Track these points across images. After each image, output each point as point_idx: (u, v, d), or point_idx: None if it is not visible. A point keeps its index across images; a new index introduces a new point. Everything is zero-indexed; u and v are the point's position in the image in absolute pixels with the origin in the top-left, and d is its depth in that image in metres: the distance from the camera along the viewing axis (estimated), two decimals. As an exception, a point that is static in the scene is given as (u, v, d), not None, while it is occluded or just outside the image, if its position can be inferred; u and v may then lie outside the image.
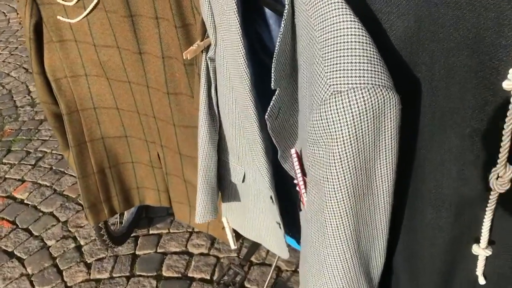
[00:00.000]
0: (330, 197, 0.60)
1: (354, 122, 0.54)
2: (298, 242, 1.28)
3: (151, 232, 2.14)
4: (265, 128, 0.96)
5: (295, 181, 0.75)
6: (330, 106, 0.54)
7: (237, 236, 1.48)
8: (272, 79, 0.71)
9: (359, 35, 0.55)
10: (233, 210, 1.32)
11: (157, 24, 1.19)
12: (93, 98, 1.47)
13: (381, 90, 0.53)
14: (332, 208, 0.60)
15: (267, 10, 0.88)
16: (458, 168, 0.66)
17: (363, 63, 0.54)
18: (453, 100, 0.61)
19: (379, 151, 0.58)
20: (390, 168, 0.60)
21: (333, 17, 0.56)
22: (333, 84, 0.54)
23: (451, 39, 0.56)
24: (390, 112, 0.55)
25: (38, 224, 2.24)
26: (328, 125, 0.55)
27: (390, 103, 0.54)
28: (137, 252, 2.05)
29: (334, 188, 0.59)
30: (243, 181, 1.19)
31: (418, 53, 0.60)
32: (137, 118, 1.46)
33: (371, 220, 0.64)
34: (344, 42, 0.55)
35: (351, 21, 0.55)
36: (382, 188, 0.62)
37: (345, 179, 0.58)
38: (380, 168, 0.60)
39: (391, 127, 0.56)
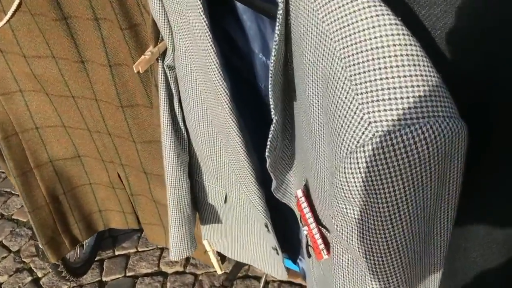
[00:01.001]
0: (376, 272, 0.43)
1: (412, 174, 0.37)
2: (293, 261, 1.12)
3: (117, 253, 1.92)
4: (252, 151, 0.78)
5: (304, 228, 0.58)
6: (373, 153, 0.37)
7: (222, 257, 1.31)
8: (272, 106, 0.53)
9: (405, 44, 0.37)
10: (215, 232, 1.14)
11: (98, 27, 0.98)
12: (33, 116, 1.25)
13: (448, 124, 0.36)
14: (380, 284, 0.44)
15: (239, 4, 0.69)
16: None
17: (418, 86, 0.36)
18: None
19: (441, 202, 0.42)
20: (450, 218, 0.44)
21: (362, 19, 0.38)
22: (376, 122, 0.37)
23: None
24: (458, 149, 0.38)
25: (-14, 257, 1.98)
26: (372, 180, 0.38)
27: (459, 138, 0.37)
28: (103, 279, 1.83)
29: (382, 261, 0.42)
30: (224, 202, 1.01)
31: (471, 58, 0.44)
32: (89, 136, 1.25)
33: (424, 283, 0.48)
34: (385, 57, 0.37)
35: (390, 24, 0.37)
36: (440, 244, 0.46)
37: (398, 249, 0.41)
38: (440, 222, 0.43)
39: (457, 167, 0.40)
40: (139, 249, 1.92)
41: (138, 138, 1.16)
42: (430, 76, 0.37)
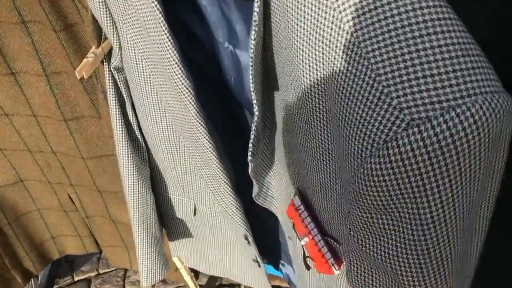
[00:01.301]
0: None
1: (460, 167, 0.29)
2: (275, 267, 1.04)
3: (76, 278, 1.75)
4: (224, 157, 0.69)
5: (303, 240, 0.50)
6: (410, 148, 0.29)
7: (195, 272, 1.21)
8: (254, 100, 0.44)
9: (434, 6, 0.29)
10: (186, 248, 1.04)
11: (27, 31, 0.85)
12: (-38, 142, 1.09)
13: (498, 100, 0.29)
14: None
15: (194, -13, 0.59)
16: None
17: (457, 57, 0.29)
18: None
19: (484, 194, 0.34)
20: (490, 211, 0.37)
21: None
22: (409, 107, 0.29)
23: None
24: (507, 128, 0.31)
25: None
26: (409, 181, 0.30)
27: (509, 116, 0.30)
28: (65, 309, 1.68)
29: (423, 276, 0.34)
30: (194, 214, 0.91)
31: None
32: (30, 157, 1.11)
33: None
34: (411, 24, 0.29)
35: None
36: (477, 244, 0.39)
37: (441, 259, 0.34)
38: (480, 219, 0.36)
39: (504, 149, 0.33)
40: (101, 271, 1.76)
41: (88, 154, 1.03)
42: (468, 43, 0.30)
